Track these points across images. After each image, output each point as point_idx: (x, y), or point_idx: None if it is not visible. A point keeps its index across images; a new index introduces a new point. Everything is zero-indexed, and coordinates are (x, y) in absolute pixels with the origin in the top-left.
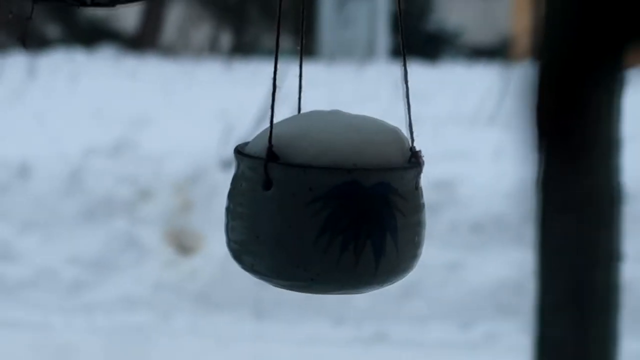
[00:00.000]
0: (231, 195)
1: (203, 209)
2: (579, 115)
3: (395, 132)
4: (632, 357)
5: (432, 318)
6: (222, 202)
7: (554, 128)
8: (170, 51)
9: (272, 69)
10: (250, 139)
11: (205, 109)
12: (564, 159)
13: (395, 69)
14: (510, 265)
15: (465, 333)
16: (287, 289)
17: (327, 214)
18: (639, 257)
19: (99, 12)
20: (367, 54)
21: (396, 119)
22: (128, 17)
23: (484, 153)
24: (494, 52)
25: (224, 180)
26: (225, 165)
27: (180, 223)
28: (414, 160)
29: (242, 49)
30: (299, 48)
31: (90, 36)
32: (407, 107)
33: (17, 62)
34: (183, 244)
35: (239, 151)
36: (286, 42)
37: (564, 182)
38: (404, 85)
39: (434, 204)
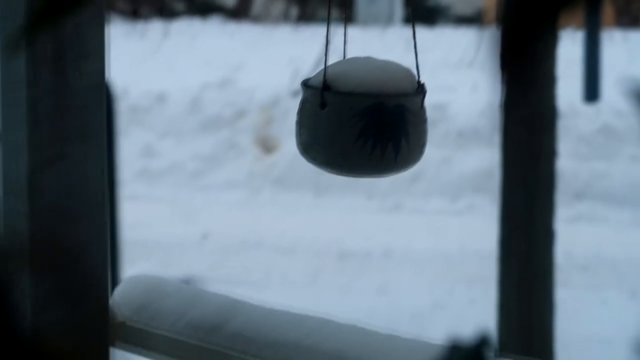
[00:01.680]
0: (299, 112)
1: (280, 123)
2: (528, 60)
3: (407, 70)
4: (562, 220)
5: (432, 194)
6: (293, 118)
7: (512, 68)
8: (257, 19)
9: (326, 31)
10: (311, 76)
11: (280, 58)
12: (518, 88)
13: (407, 31)
14: (484, 160)
15: (454, 204)
16: (336, 174)
17: (362, 125)
18: (566, 154)
19: None
20: (388, 21)
21: (408, 63)
22: None
23: (466, 86)
24: (472, 19)
25: (294, 104)
26: (294, 94)
27: (265, 132)
28: (420, 89)
29: (305, 17)
30: (344, 16)
31: (203, 9)
32: (415, 55)
33: (155, 27)
34: (267, 146)
35: (305, 84)
36: (335, 12)
37: (519, 104)
38: (414, 41)
39: (432, 119)
